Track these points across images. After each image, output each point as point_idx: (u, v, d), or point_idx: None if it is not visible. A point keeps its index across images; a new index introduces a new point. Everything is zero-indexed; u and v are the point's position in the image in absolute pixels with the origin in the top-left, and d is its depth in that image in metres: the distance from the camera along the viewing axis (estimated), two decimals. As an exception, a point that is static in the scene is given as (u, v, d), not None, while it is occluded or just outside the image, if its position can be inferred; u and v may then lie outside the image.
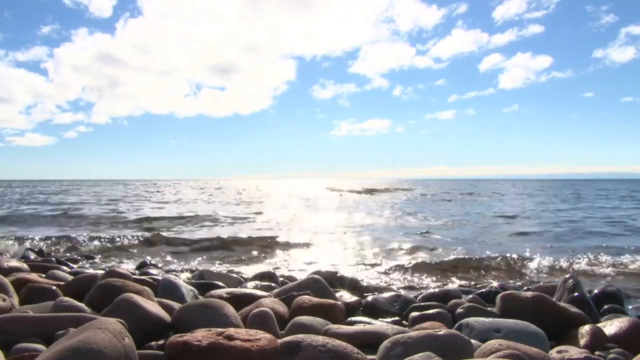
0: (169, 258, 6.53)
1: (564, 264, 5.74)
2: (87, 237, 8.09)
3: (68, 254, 6.70)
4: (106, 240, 7.88)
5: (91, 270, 4.58)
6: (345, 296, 3.65)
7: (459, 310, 2.98)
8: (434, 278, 5.16)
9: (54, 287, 3.07)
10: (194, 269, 5.24)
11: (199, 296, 3.30)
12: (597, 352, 2.29)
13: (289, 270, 5.54)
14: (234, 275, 4.57)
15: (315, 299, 3.02)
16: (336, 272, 4.48)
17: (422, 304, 3.29)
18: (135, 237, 8.10)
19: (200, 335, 1.87)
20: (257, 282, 4.16)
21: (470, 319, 2.54)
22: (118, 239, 7.98)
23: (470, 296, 3.61)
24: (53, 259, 5.46)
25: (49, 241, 7.70)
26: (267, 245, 7.63)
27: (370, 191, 33.64)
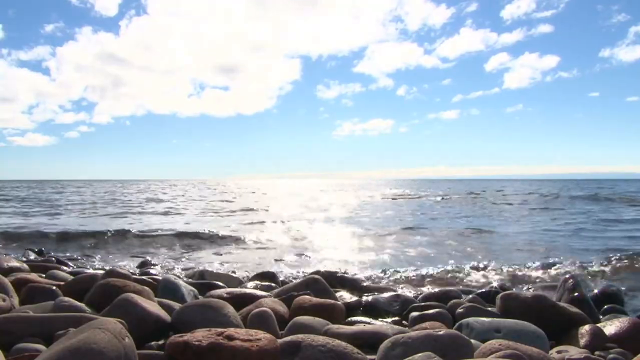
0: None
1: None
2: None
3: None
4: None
5: (91, 270, 4.59)
6: (345, 296, 3.65)
7: (459, 310, 2.98)
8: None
9: (54, 287, 3.07)
10: (194, 268, 5.24)
11: (199, 296, 3.30)
12: (597, 352, 2.29)
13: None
14: (234, 275, 4.57)
15: (315, 299, 3.02)
16: (336, 272, 4.48)
17: (422, 304, 3.29)
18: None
19: (200, 335, 1.87)
20: (257, 282, 4.16)
21: (470, 319, 2.54)
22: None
23: (470, 296, 3.61)
24: (53, 259, 5.47)
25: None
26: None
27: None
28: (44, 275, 3.74)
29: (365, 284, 4.37)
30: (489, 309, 3.01)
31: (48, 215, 13.33)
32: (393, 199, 24.86)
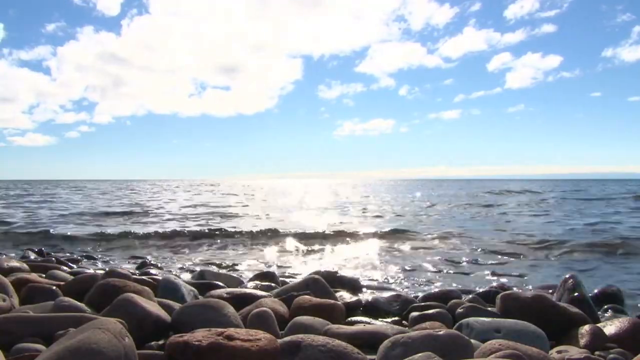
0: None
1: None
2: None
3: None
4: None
5: (91, 270, 4.59)
6: (345, 296, 3.65)
7: (459, 310, 2.98)
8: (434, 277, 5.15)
9: (54, 287, 3.07)
10: (194, 269, 5.24)
11: (199, 296, 3.30)
12: (597, 352, 2.29)
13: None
14: (234, 275, 4.57)
15: (315, 299, 3.03)
16: (336, 272, 4.48)
17: (422, 304, 3.29)
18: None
19: (200, 335, 1.87)
20: (257, 282, 4.16)
21: (470, 319, 2.54)
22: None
23: (470, 296, 3.61)
24: (53, 259, 5.47)
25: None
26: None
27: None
28: (44, 275, 3.74)
29: (365, 283, 4.37)
30: (489, 309, 3.01)
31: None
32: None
